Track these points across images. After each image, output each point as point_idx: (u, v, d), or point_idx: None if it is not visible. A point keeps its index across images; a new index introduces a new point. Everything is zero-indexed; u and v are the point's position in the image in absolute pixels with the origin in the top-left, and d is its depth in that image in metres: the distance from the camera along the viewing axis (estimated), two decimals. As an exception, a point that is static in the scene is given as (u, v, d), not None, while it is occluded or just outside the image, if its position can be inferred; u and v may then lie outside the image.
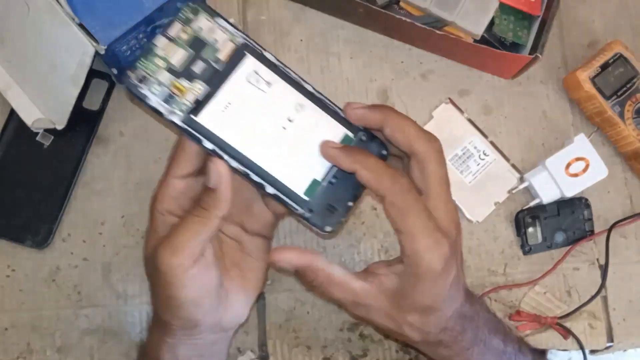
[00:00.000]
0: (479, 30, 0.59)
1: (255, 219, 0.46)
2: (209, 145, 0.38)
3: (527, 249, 0.62)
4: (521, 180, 0.63)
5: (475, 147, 0.63)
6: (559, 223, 0.62)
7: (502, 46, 0.61)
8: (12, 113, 0.59)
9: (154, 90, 0.37)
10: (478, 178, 0.63)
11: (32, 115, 0.58)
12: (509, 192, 0.63)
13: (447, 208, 0.42)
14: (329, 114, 0.42)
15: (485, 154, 0.63)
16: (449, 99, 0.64)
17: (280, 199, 0.41)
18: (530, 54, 0.60)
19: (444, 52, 0.64)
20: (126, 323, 0.58)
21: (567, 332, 0.61)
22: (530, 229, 0.62)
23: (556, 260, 0.62)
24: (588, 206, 0.63)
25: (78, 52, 0.51)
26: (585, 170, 0.61)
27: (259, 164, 0.40)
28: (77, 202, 0.59)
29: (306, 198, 0.41)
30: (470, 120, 0.64)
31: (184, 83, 0.37)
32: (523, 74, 0.64)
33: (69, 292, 0.58)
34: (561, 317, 0.61)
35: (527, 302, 0.62)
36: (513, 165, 0.63)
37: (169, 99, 0.37)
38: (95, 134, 0.60)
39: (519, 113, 0.65)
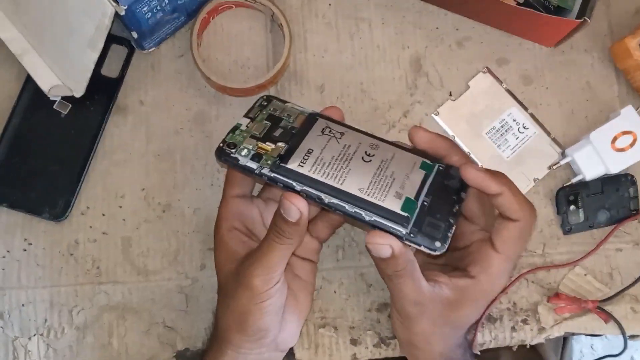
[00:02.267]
0: (523, -8, 0.55)
1: (302, 246, 0.50)
2: (299, 187, 0.43)
3: (567, 228, 0.59)
4: (563, 155, 0.60)
5: (514, 120, 0.60)
6: (603, 201, 0.59)
7: (546, 10, 0.58)
8: (28, 80, 0.57)
9: (243, 153, 0.44)
10: (517, 152, 0.60)
11: (49, 82, 0.56)
12: (550, 167, 0.60)
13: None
14: (402, 149, 0.46)
15: (524, 127, 0.60)
16: (487, 68, 0.61)
17: (379, 224, 0.42)
18: (577, 18, 0.56)
19: (482, 18, 0.61)
20: (146, 300, 0.57)
21: (608, 316, 0.58)
22: (572, 207, 0.59)
23: (598, 240, 0.59)
24: (634, 183, 0.60)
25: (96, 13, 0.49)
26: (632, 145, 0.58)
27: (352, 193, 0.43)
28: (96, 174, 0.58)
29: (405, 214, 0.42)
30: (509, 91, 0.61)
31: (267, 144, 0.44)
32: (566, 42, 0.61)
33: (87, 267, 0.57)
34: (602, 301, 0.58)
35: (566, 284, 0.59)
36: (554, 139, 0.60)
37: (256, 157, 0.44)
38: (114, 102, 0.58)
39: (561, 83, 0.62)
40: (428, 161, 0.45)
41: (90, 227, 0.57)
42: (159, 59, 0.59)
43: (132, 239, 0.57)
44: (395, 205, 0.42)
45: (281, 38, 0.59)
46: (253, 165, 0.44)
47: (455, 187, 0.45)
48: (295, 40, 0.60)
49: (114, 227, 0.58)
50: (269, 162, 0.44)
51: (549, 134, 0.60)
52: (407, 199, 0.43)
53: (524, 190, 0.60)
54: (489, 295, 0.47)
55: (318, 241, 0.52)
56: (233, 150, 0.44)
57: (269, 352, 0.48)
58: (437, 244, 0.42)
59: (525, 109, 0.60)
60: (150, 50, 0.59)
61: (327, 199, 0.42)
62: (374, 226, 0.42)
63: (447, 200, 0.44)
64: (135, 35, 0.55)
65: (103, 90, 0.58)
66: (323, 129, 0.46)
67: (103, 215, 0.58)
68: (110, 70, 0.58)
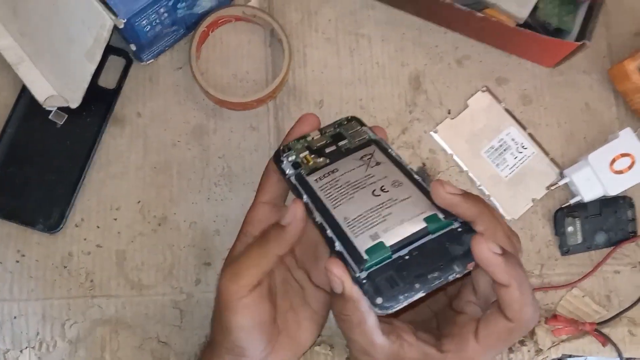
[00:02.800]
0: (524, 13, 0.56)
1: (320, 273, 0.46)
2: (305, 198, 0.42)
3: (565, 249, 0.59)
4: (561, 175, 0.60)
5: (512, 139, 0.60)
6: (601, 223, 0.59)
7: (546, 32, 0.58)
8: (24, 89, 0.57)
9: (290, 158, 0.45)
10: (515, 172, 0.60)
11: (44, 92, 0.55)
12: (548, 188, 0.60)
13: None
14: (425, 195, 0.41)
15: (523, 147, 0.60)
16: (486, 87, 0.61)
17: (343, 256, 0.39)
18: (576, 40, 0.56)
19: (482, 37, 0.61)
20: (140, 315, 0.56)
21: (605, 339, 0.57)
22: (570, 228, 0.59)
23: (596, 262, 0.59)
24: (632, 206, 0.59)
25: (95, 25, 0.49)
26: (631, 167, 0.57)
27: (337, 219, 0.40)
28: (91, 186, 0.57)
29: (365, 257, 0.38)
30: (507, 111, 0.61)
31: (313, 156, 0.45)
32: (565, 63, 0.61)
33: (81, 280, 0.56)
34: (600, 323, 0.58)
35: (564, 305, 0.59)
36: (552, 160, 0.60)
37: (296, 165, 0.44)
38: (111, 114, 0.58)
39: (560, 104, 0.61)
40: (442, 216, 0.39)
41: (85, 239, 0.57)
42: (157, 71, 0.59)
43: (126, 252, 0.57)
44: (363, 244, 0.38)
45: (280, 52, 0.59)
46: (289, 170, 0.44)
47: (457, 255, 0.38)
48: (295, 55, 0.60)
49: (109, 240, 0.57)
50: (301, 171, 0.44)
51: (547, 154, 0.60)
52: (380, 244, 0.38)
53: (522, 210, 0.60)
54: None
55: None
56: (284, 154, 0.45)
57: None
58: (379, 300, 0.36)
59: (524, 128, 0.60)
60: (148, 62, 0.59)
61: (317, 217, 0.41)
62: (341, 255, 0.39)
63: (433, 265, 0.37)
64: (133, 47, 0.55)
65: (100, 101, 0.57)
66: (365, 155, 0.44)
67: (98, 227, 0.57)
68: (108, 81, 0.58)
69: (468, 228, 0.39)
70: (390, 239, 0.38)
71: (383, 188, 0.41)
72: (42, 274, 0.56)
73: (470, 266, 0.37)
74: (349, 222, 0.40)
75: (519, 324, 0.38)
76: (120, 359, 0.55)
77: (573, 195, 0.59)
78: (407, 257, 0.38)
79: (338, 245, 0.39)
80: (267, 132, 0.59)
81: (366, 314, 0.38)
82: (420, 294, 0.36)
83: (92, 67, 0.52)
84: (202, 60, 0.59)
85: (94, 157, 0.57)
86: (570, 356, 0.59)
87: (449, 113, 0.60)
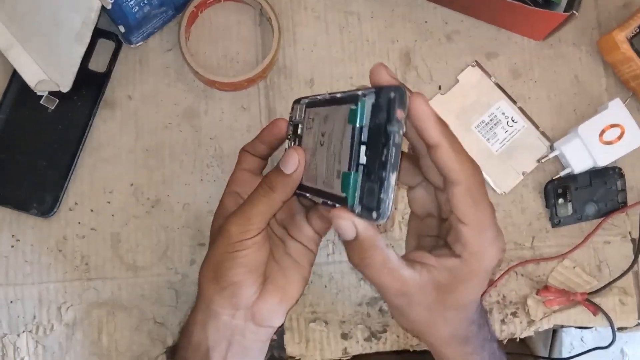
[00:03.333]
0: (511, -14, 0.55)
1: (298, 229, 0.48)
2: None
3: (556, 221, 0.59)
4: (551, 148, 0.60)
5: (503, 113, 0.60)
6: (591, 194, 0.59)
7: (535, 4, 0.58)
8: (15, 74, 0.56)
9: (296, 120, 0.46)
10: (505, 146, 0.60)
11: (35, 76, 0.55)
12: (538, 161, 0.60)
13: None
14: (338, 102, 0.40)
15: (513, 121, 0.60)
16: (476, 61, 0.61)
17: (332, 206, 0.39)
18: (565, 11, 0.56)
19: (471, 11, 0.61)
20: (136, 296, 0.56)
21: (596, 309, 0.58)
22: (560, 200, 0.59)
23: (586, 233, 0.59)
24: (622, 176, 0.60)
25: (83, 7, 0.49)
26: (620, 137, 0.58)
27: (320, 189, 0.41)
28: (84, 170, 0.57)
29: (343, 194, 0.38)
30: (497, 85, 0.61)
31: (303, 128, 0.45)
32: (554, 36, 0.61)
33: (76, 263, 0.56)
34: (591, 293, 0.59)
35: (555, 276, 0.59)
36: (542, 133, 0.60)
37: (297, 126, 0.46)
38: (102, 97, 0.58)
39: (550, 77, 0.62)
40: (353, 105, 0.37)
41: (79, 223, 0.57)
42: (147, 53, 0.59)
43: (121, 235, 0.57)
44: (337, 188, 0.38)
45: (270, 32, 0.58)
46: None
47: (387, 121, 0.35)
48: (284, 34, 0.60)
49: (103, 223, 0.57)
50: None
51: (537, 127, 0.60)
52: (343, 174, 0.37)
53: (512, 184, 0.60)
54: (481, 273, 0.41)
55: (315, 232, 0.49)
56: (294, 114, 0.46)
57: (245, 320, 0.46)
58: (374, 214, 0.35)
59: (514, 102, 0.60)
60: (137, 45, 0.58)
61: (312, 197, 0.42)
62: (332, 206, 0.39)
63: (379, 147, 0.35)
64: (122, 29, 0.54)
65: (90, 85, 0.57)
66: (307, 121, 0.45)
67: (91, 211, 0.57)
68: (98, 64, 0.58)
69: (380, 91, 0.36)
70: (344, 164, 0.38)
71: (322, 132, 0.41)
72: (38, 258, 0.56)
73: (399, 115, 0.35)
74: (325, 183, 0.40)
75: (467, 181, 0.38)
76: (117, 340, 0.56)
77: (563, 168, 0.60)
78: (364, 162, 0.36)
79: (332, 205, 0.39)
80: (259, 112, 0.59)
81: (386, 250, 0.40)
82: (394, 178, 0.35)
83: (82, 50, 0.52)
84: (191, 42, 0.59)
85: (86, 141, 0.57)
86: (562, 326, 0.59)
87: (440, 89, 0.61)
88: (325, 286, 0.57)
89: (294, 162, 0.43)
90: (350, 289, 0.58)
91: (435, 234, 0.45)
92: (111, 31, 0.58)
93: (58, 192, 0.56)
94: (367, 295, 0.58)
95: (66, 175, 0.56)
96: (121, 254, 0.57)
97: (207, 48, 0.59)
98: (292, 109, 0.47)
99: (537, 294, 0.58)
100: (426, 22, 0.61)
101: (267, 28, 0.59)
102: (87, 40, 0.52)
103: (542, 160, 0.60)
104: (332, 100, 0.41)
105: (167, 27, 0.59)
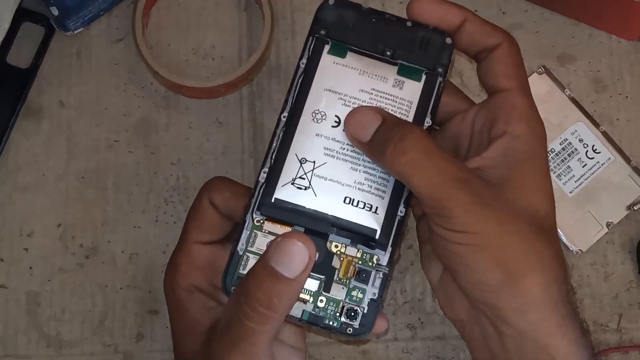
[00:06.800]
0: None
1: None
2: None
3: (654, 293, 0.48)
4: (648, 191, 0.50)
5: (580, 140, 0.51)
6: (703, 258, 0.48)
7: (631, -10, 0.47)
8: None
9: None
10: (583, 186, 0.50)
11: None
12: (629, 208, 0.50)
13: None
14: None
15: (595, 151, 0.51)
16: (544, 67, 0.51)
17: None
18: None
19: (540, -1, 0.51)
20: (55, 386, 0.46)
21: None
22: (661, 265, 0.48)
23: (696, 311, 0.48)
24: None
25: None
26: None
27: None
28: (-6, 202, 0.49)
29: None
30: (574, 100, 0.51)
31: None
32: (654, 35, 0.50)
33: (-24, 335, 0.47)
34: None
35: (653, 373, 0.47)
36: (635, 169, 0.50)
37: None
38: (23, 102, 0.50)
39: (647, 91, 0.52)
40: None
41: (-17, 277, 0.48)
42: (88, 44, 0.51)
43: (40, 296, 0.48)
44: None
45: (260, 19, 0.50)
46: None
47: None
48: (280, 22, 0.51)
49: (16, 278, 0.48)
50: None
51: (629, 161, 0.51)
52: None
53: (593, 239, 0.49)
54: (535, 149, 0.38)
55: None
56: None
57: None
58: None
59: (597, 125, 0.51)
60: (76, 32, 0.51)
61: None
62: None
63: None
64: (55, 11, 0.47)
65: (8, 86, 0.50)
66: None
67: (1, 260, 0.48)
68: (20, 57, 0.50)
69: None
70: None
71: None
72: None
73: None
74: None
75: (507, 41, 0.39)
76: None
77: (665, 219, 0.49)
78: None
79: None
80: (240, 128, 0.51)
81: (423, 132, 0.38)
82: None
83: (-2, 37, 0.44)
84: (150, 30, 0.51)
85: (-1, 163, 0.49)
86: None
87: (493, 103, 0.49)
88: None
89: (301, 262, 0.35)
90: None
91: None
92: (40, 12, 0.51)
93: (-47, 233, 0.47)
94: None
95: (-33, 210, 0.48)
96: (40, 323, 0.47)
97: (172, 39, 0.51)
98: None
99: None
100: (476, 10, 0.51)
101: (255, 14, 0.51)
102: (7, 25, 0.46)
103: (635, 207, 0.49)
104: None
105: (117, 9, 0.52)
